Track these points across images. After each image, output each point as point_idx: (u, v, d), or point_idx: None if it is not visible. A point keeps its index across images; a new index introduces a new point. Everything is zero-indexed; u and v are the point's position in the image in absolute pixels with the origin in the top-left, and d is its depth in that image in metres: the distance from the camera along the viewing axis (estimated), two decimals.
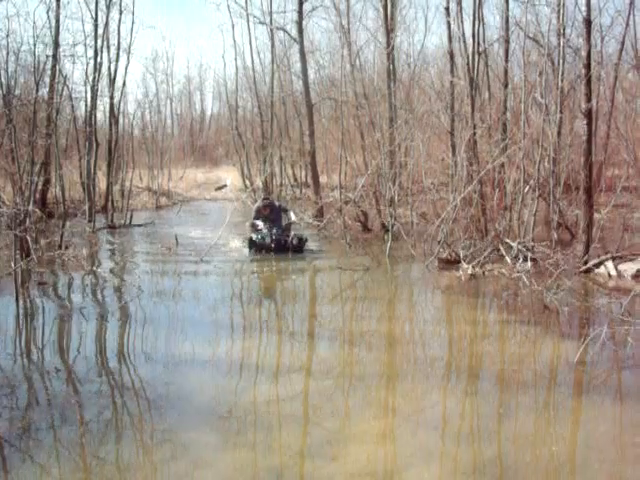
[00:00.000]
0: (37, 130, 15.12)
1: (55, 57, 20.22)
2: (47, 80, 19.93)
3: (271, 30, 26.59)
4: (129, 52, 23.47)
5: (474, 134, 13.62)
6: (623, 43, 20.86)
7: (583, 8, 11.40)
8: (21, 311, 8.57)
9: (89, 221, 18.47)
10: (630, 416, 5.28)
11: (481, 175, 12.65)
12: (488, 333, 8.11)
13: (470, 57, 14.65)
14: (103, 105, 24.38)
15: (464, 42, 15.12)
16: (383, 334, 7.92)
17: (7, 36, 18.33)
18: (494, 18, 46.73)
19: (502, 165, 13.12)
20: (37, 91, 16.28)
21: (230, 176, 33.61)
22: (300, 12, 21.68)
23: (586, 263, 10.86)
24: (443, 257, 11.87)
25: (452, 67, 15.47)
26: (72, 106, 23.19)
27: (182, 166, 36.32)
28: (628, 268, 10.55)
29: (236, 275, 11.74)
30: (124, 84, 23.67)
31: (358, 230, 16.65)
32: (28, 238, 11.06)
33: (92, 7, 21.47)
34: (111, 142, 22.19)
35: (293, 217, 14.41)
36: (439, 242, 12.09)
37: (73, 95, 22.53)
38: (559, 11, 13.61)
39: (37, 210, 15.84)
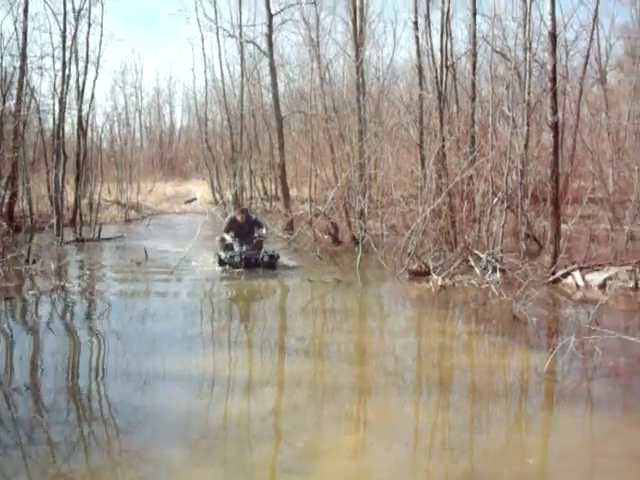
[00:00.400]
0: (4, 143, 14.97)
1: (22, 69, 20.06)
2: (14, 92, 19.76)
3: (241, 43, 26.61)
4: (98, 65, 23.44)
5: (443, 147, 13.75)
6: (587, 57, 21.20)
7: (548, 23, 11.57)
8: None
9: (57, 235, 18.24)
10: (601, 426, 5.32)
11: (450, 187, 12.76)
12: (458, 344, 8.15)
13: (438, 71, 14.78)
14: (71, 118, 24.23)
15: (432, 56, 15.26)
16: (354, 347, 7.92)
17: None
18: (462, 32, 47.14)
19: (470, 177, 13.25)
20: (4, 103, 16.18)
21: (200, 189, 33.48)
22: (270, 25, 21.78)
23: (554, 273, 10.99)
24: (413, 269, 11.91)
25: (421, 80, 15.60)
26: (40, 119, 23.06)
27: (151, 179, 36.13)
28: (595, 278, 10.70)
29: (206, 295, 11.43)
30: (92, 97, 23.64)
31: (328, 243, 16.65)
32: None
33: (60, 19, 21.43)
34: (79, 155, 22.02)
35: (264, 232, 13.77)
36: (409, 254, 12.14)
37: (41, 108, 22.44)
38: (525, 26, 13.87)
39: (4, 223, 15.63)
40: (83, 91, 22.61)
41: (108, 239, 18.94)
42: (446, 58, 15.30)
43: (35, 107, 21.74)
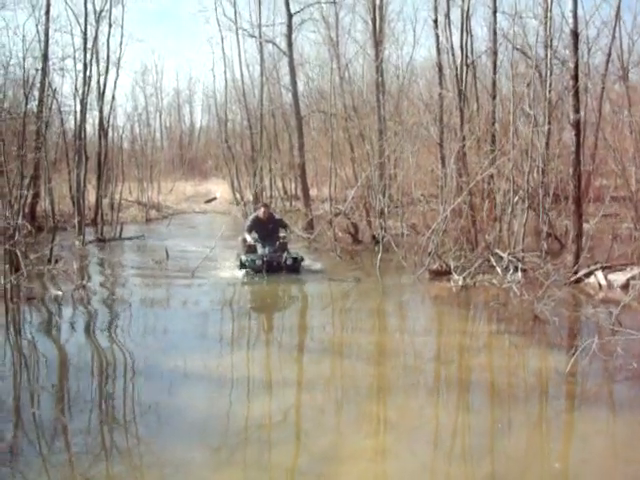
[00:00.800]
0: (26, 144, 15.05)
1: (44, 70, 20.24)
2: (36, 93, 19.92)
3: (260, 43, 26.63)
4: (118, 65, 23.58)
5: (463, 146, 13.68)
6: (609, 54, 21.00)
7: (570, 20, 11.50)
8: (10, 327, 8.49)
9: (79, 235, 18.36)
10: (624, 430, 5.26)
11: (470, 186, 12.69)
12: (479, 344, 8.12)
13: (458, 69, 14.71)
14: (92, 118, 24.49)
15: (452, 54, 15.22)
16: (374, 347, 7.91)
17: None
18: (482, 30, 46.64)
19: (491, 176, 13.17)
20: (26, 104, 16.26)
21: (220, 189, 33.59)
22: (289, 25, 21.76)
23: (576, 273, 10.89)
24: (434, 268, 11.87)
25: (441, 79, 15.51)
26: (61, 119, 23.18)
27: (171, 179, 36.31)
28: (617, 278, 10.59)
29: (225, 296, 11.20)
30: (113, 97, 23.78)
31: (348, 242, 16.65)
32: (18, 252, 10.97)
33: (81, 21, 21.60)
34: (100, 155, 22.18)
35: (284, 233, 13.12)
36: (429, 253, 12.10)
37: (62, 108, 22.56)
38: (546, 23, 13.72)
39: (26, 224, 15.76)
40: (104, 92, 22.81)
41: (129, 238, 19.09)
42: (466, 56, 15.18)
43: (57, 108, 21.89)
